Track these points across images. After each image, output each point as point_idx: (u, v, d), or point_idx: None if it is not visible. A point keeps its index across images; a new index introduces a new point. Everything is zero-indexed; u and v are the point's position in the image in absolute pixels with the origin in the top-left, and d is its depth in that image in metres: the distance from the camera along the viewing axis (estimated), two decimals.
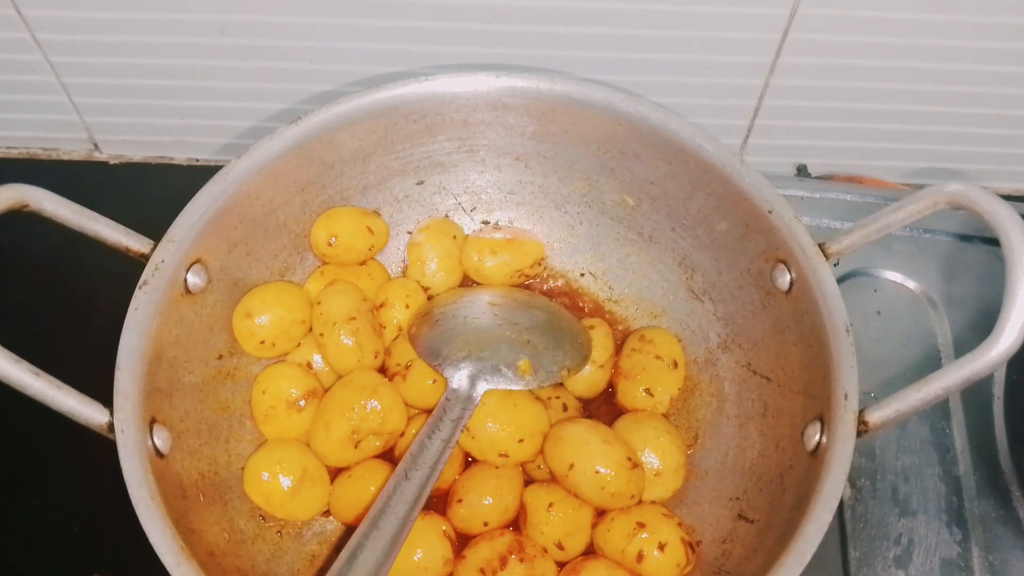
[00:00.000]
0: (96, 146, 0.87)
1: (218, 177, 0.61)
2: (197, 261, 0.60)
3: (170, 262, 0.57)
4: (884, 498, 0.66)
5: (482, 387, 0.62)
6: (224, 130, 0.84)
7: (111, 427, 0.52)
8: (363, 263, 0.69)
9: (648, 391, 0.66)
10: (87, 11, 0.72)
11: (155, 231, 0.59)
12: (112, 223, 0.57)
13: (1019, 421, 0.67)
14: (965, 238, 0.76)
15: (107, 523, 0.50)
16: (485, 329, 0.66)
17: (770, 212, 0.59)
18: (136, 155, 0.88)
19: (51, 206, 0.55)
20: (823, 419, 0.55)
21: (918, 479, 0.67)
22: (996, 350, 0.48)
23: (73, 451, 0.54)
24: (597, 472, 0.59)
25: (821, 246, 0.58)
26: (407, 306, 0.68)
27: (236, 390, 0.64)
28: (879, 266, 0.75)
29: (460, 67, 0.71)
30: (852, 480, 0.67)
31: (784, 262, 0.60)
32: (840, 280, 0.73)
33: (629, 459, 0.60)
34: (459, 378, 0.63)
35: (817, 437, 0.55)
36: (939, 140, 0.80)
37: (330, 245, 0.66)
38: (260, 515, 0.61)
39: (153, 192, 0.85)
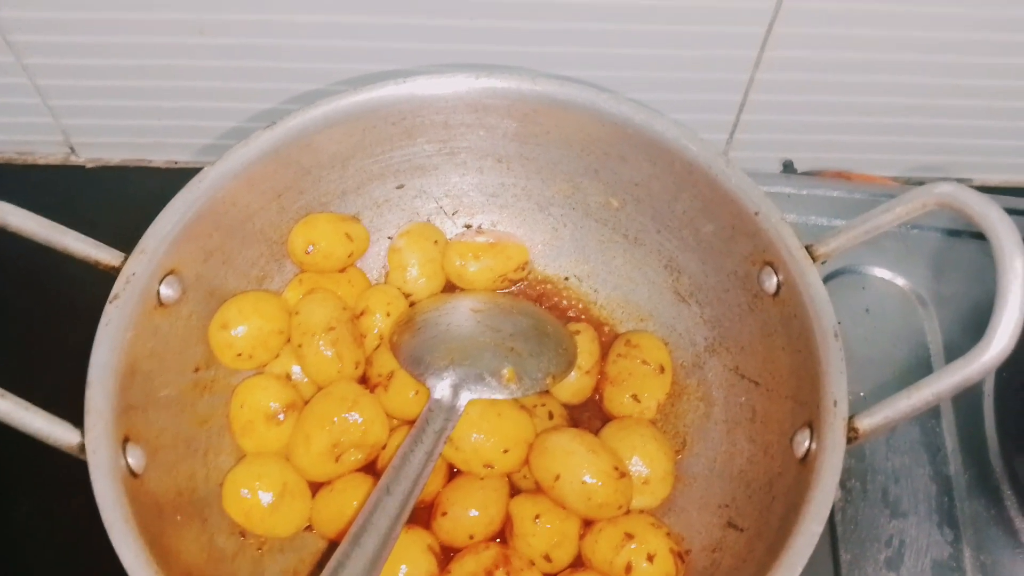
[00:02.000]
0: (72, 149, 0.86)
1: (192, 184, 0.59)
2: (171, 272, 0.58)
3: (142, 274, 0.56)
4: (874, 499, 0.66)
5: (465, 397, 0.61)
6: (204, 131, 0.83)
7: (83, 448, 0.50)
8: (343, 270, 0.68)
9: (635, 397, 0.65)
10: (61, 11, 0.71)
11: (134, 236, 0.57)
12: (81, 236, 0.55)
13: (1010, 420, 0.67)
14: (954, 233, 0.76)
15: (89, 534, 0.49)
16: (468, 336, 0.64)
17: (756, 214, 0.58)
18: (114, 158, 0.87)
19: (16, 220, 0.53)
20: (812, 426, 0.54)
21: (908, 480, 0.66)
22: (988, 355, 0.48)
23: (55, 460, 0.52)
24: (584, 483, 0.59)
25: (808, 248, 0.56)
26: (388, 314, 0.66)
27: (214, 403, 0.63)
28: (867, 263, 0.74)
29: (440, 67, 0.69)
30: (842, 482, 0.66)
31: (771, 265, 0.59)
32: (828, 278, 0.73)
33: (616, 468, 0.59)
34: (442, 388, 0.61)
35: (807, 444, 0.54)
36: (927, 133, 0.80)
37: (308, 253, 0.65)
38: (240, 532, 0.60)
39: (132, 196, 0.83)
